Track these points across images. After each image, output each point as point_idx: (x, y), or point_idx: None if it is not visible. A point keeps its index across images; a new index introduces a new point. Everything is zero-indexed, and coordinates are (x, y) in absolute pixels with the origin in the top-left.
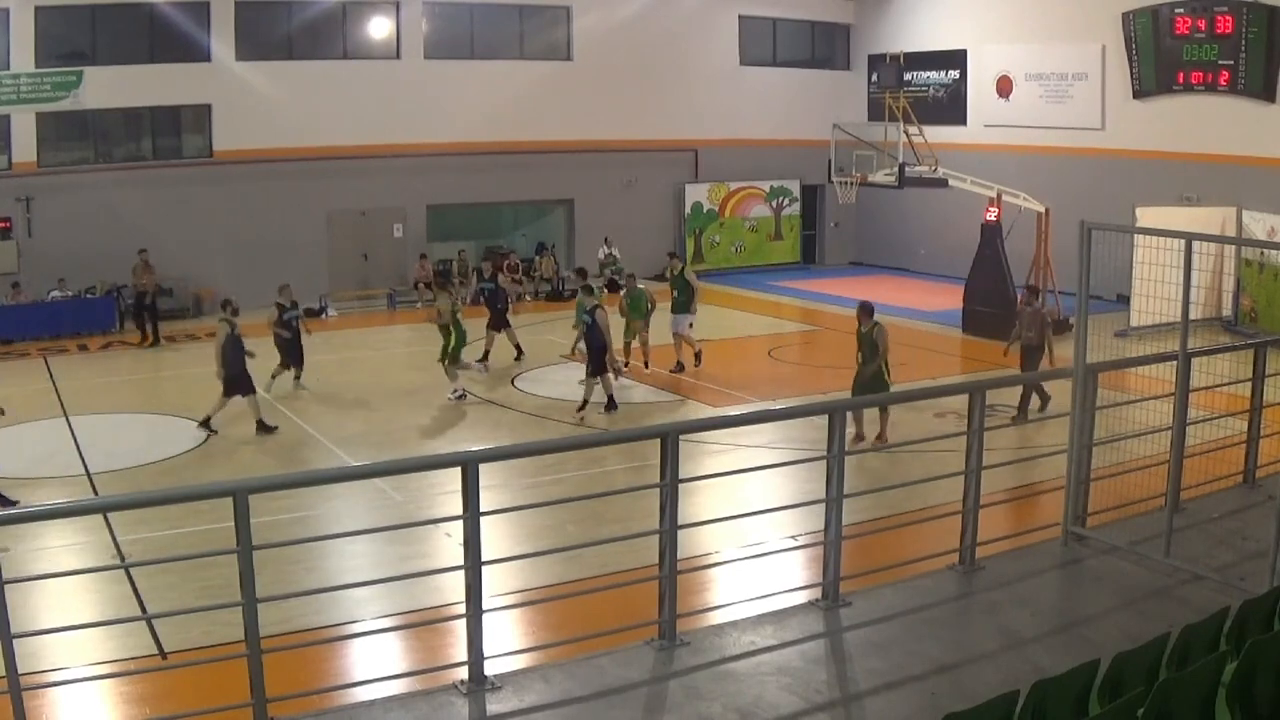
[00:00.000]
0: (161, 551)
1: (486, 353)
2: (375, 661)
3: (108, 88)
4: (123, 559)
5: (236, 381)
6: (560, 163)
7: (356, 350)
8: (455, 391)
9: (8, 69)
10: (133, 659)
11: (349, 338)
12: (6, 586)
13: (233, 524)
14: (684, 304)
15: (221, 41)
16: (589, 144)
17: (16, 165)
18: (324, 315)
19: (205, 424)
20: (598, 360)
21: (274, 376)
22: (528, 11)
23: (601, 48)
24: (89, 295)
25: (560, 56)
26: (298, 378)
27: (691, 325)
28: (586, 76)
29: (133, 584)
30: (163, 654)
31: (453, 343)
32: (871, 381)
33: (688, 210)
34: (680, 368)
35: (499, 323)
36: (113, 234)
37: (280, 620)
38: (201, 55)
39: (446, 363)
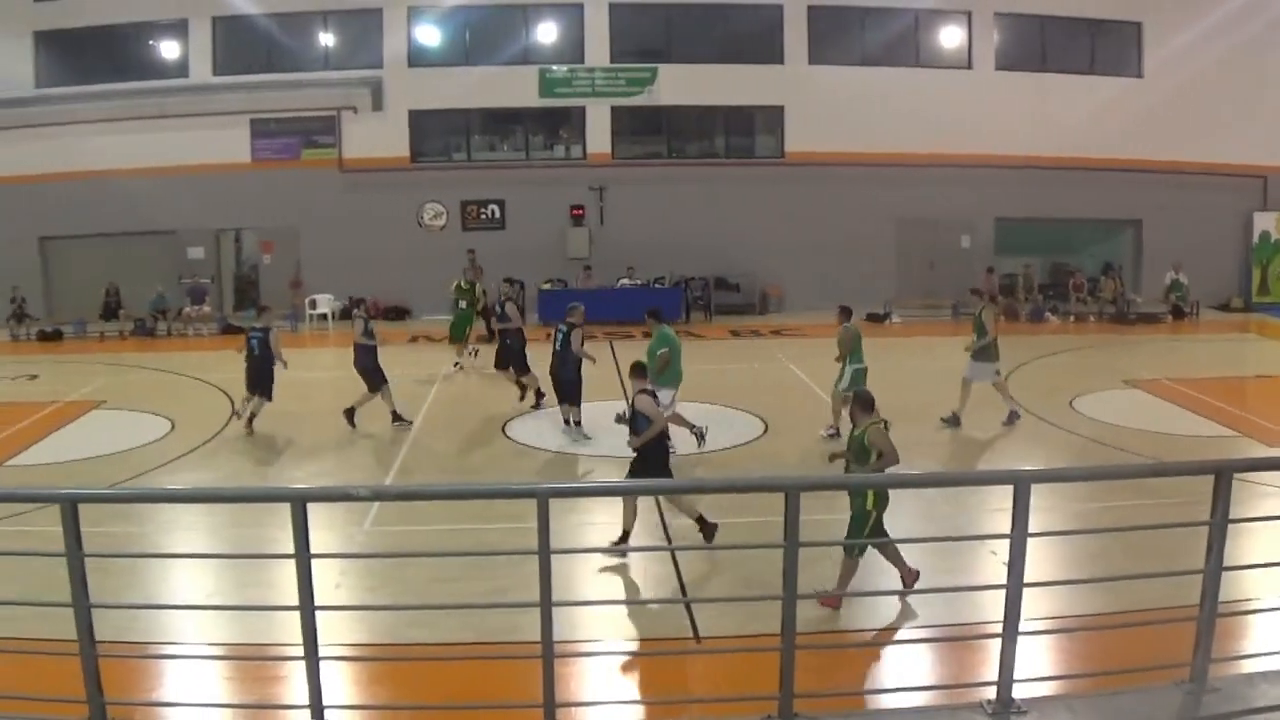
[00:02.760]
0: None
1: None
2: (905, 671)
3: (681, 85)
4: (669, 541)
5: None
6: (1129, 182)
7: (918, 359)
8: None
9: (584, 63)
10: (667, 639)
11: (909, 346)
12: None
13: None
14: (982, 349)
15: (794, 44)
16: (1157, 165)
17: (591, 156)
18: (887, 321)
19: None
20: None
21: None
22: (1099, 27)
23: (1172, 67)
24: (657, 285)
25: (1130, 73)
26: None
27: (998, 373)
28: (1156, 95)
29: (677, 567)
30: (697, 638)
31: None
32: None
33: (1255, 239)
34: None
35: (505, 363)
36: (681, 227)
37: (814, 619)
38: (774, 57)
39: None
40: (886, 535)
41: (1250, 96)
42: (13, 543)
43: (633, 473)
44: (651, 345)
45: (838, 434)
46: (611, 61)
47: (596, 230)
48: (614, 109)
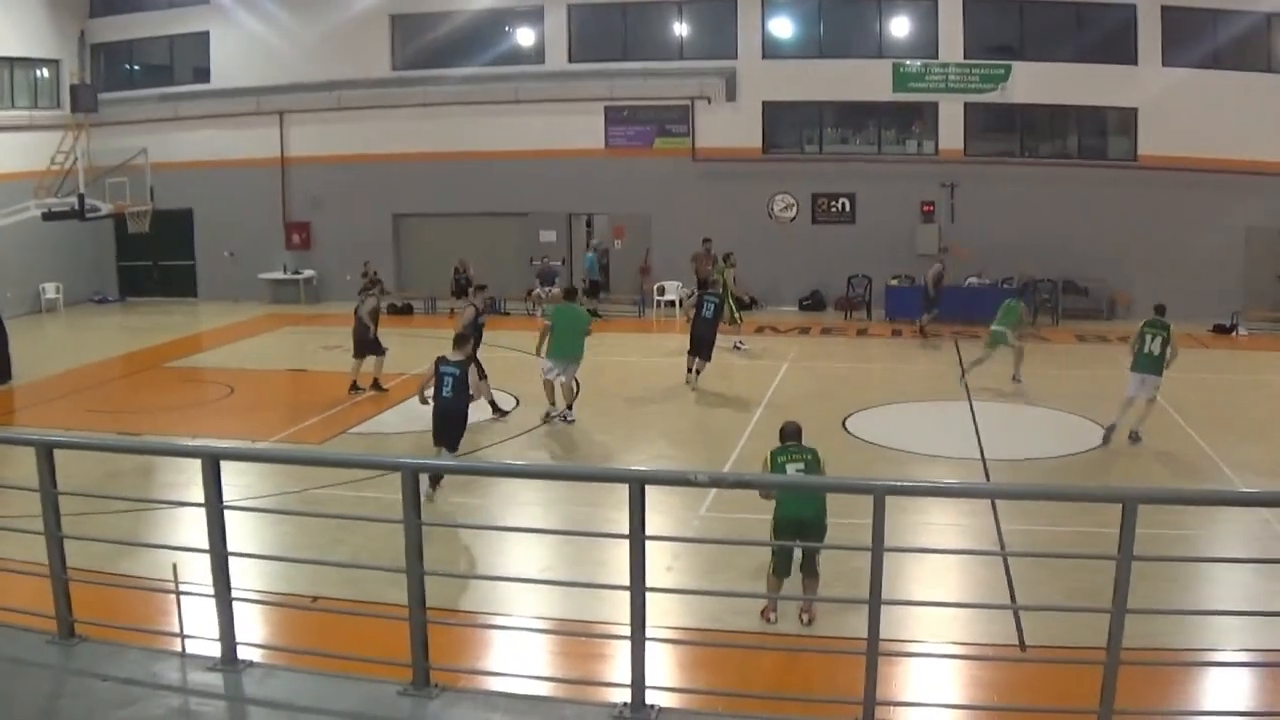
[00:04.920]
0: (1041, 547)
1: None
2: (1229, 694)
3: (1034, 83)
4: (1002, 547)
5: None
6: None
7: (1263, 374)
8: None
9: (937, 58)
10: (991, 645)
11: (1258, 360)
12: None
13: (1116, 531)
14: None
15: (1148, 45)
16: None
17: (943, 152)
18: (1234, 333)
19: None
20: None
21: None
22: None
23: None
24: (1005, 285)
25: None
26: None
27: None
28: None
29: (1008, 572)
30: (1022, 645)
31: None
32: None
33: None
34: None
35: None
36: (1031, 228)
37: (1149, 634)
38: (1129, 58)
39: None
40: None
41: None
42: (353, 508)
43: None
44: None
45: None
46: (965, 57)
47: (946, 227)
48: (966, 105)
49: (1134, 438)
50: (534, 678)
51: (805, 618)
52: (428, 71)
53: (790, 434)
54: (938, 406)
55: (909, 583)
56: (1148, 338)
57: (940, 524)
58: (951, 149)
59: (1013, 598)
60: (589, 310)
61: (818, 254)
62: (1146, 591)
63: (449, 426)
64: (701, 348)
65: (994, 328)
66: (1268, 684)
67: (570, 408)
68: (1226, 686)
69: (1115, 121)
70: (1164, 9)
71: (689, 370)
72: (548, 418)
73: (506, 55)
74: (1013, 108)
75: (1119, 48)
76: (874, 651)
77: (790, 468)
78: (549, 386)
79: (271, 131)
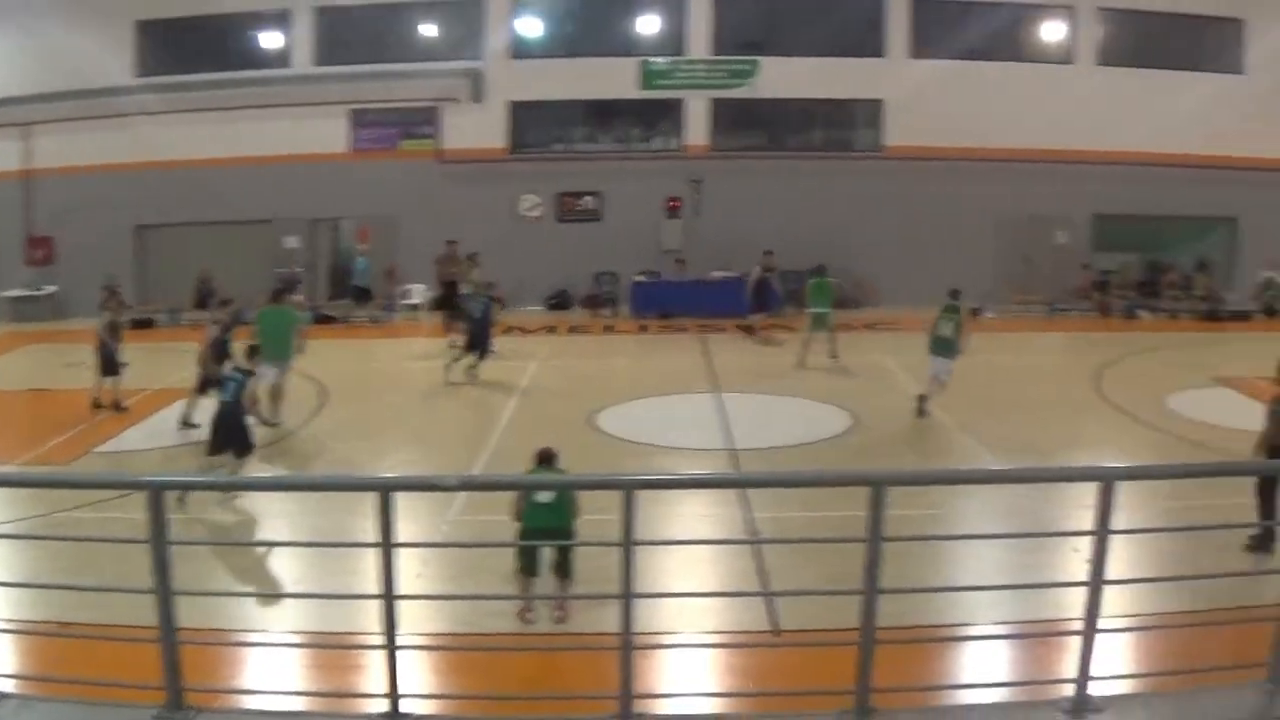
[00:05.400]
0: (794, 533)
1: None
2: (983, 667)
3: (782, 78)
4: (754, 535)
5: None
6: (1226, 180)
7: (1013, 355)
8: None
9: (684, 55)
10: (746, 632)
11: (1004, 342)
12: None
13: (867, 514)
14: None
15: (896, 38)
16: (1257, 162)
17: (689, 147)
18: (981, 316)
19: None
20: None
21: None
22: (1200, 23)
23: (1274, 62)
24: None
25: (1231, 70)
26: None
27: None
28: (1258, 92)
29: (760, 560)
30: (776, 631)
31: None
32: None
33: None
34: None
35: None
36: (778, 221)
37: (895, 613)
38: (876, 51)
39: None
40: None
41: None
42: (98, 529)
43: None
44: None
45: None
46: (713, 53)
47: (692, 222)
48: (714, 101)
49: (920, 405)
50: (291, 693)
51: (558, 615)
52: (171, 78)
53: (545, 459)
54: (686, 400)
55: (662, 575)
56: (941, 321)
57: (691, 515)
58: (698, 145)
59: (766, 585)
60: (324, 315)
61: (565, 253)
62: (901, 571)
63: (226, 431)
64: (477, 344)
65: (811, 310)
66: (1021, 652)
67: (276, 413)
68: (981, 659)
69: (863, 114)
70: (913, 1)
71: (458, 366)
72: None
73: (252, 59)
74: (760, 102)
75: (868, 41)
76: (628, 645)
77: (541, 497)
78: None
79: (10, 144)
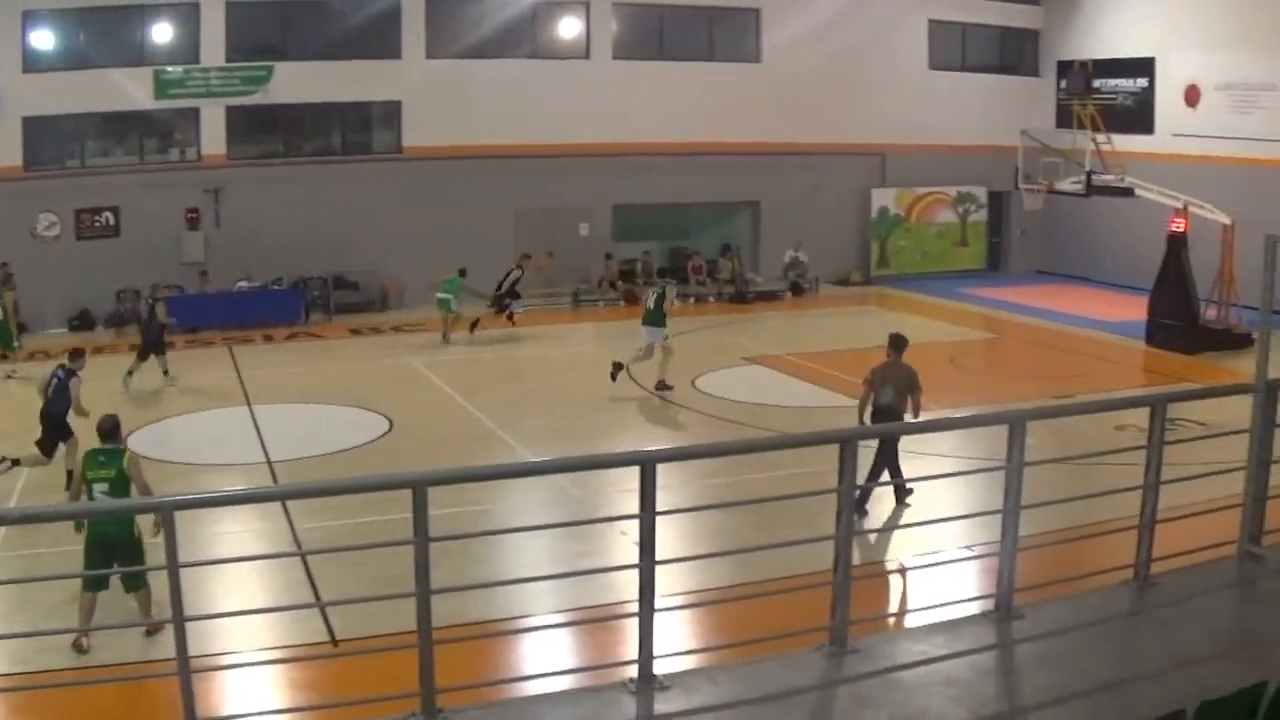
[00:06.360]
0: (338, 541)
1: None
2: (546, 656)
3: (298, 82)
4: (299, 546)
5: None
6: (747, 165)
7: (542, 347)
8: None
9: (198, 63)
10: (304, 645)
11: (534, 334)
12: (181, 570)
13: (411, 515)
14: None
15: (412, 38)
16: (776, 147)
17: (206, 157)
18: (508, 311)
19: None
20: None
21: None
22: (717, 14)
23: (790, 51)
24: (275, 287)
25: (749, 59)
26: None
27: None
28: (774, 79)
29: (308, 572)
30: (334, 641)
31: None
32: None
33: (874, 215)
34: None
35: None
36: (300, 227)
37: (452, 612)
38: (392, 53)
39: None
40: None
41: (866, 79)
42: None
43: None
44: None
45: None
46: (227, 60)
47: (213, 233)
48: (229, 109)
49: (661, 386)
50: None
51: (149, 632)
52: None
53: (106, 432)
54: (216, 414)
55: (214, 595)
56: (650, 295)
57: (235, 532)
58: (215, 154)
59: (317, 596)
60: None
61: (85, 271)
62: (460, 568)
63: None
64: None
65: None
66: (583, 637)
67: None
68: (545, 648)
69: (380, 115)
70: (428, 3)
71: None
72: None
73: None
74: (276, 108)
75: (384, 42)
76: (185, 670)
77: (97, 488)
78: None
79: None
